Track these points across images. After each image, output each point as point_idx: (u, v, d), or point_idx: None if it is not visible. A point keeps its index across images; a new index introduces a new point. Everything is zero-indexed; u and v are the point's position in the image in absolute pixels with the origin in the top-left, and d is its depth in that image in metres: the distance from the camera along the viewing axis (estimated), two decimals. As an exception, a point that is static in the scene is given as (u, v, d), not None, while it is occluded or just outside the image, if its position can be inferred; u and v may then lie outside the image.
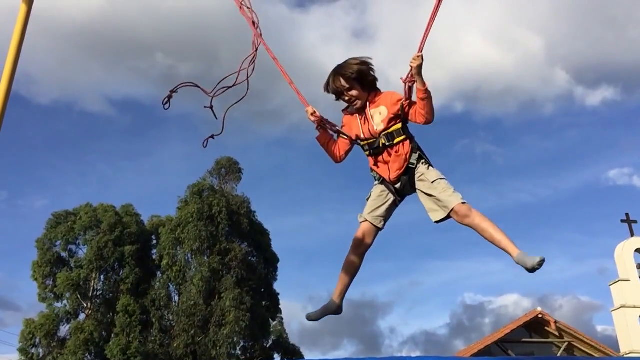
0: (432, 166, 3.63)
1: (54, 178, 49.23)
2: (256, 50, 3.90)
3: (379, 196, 3.67)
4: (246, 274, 25.59)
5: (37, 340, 24.28)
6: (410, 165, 3.59)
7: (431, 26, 3.48)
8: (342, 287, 3.70)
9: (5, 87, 3.20)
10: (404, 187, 3.63)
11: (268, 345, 26.91)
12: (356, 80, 3.62)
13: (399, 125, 3.61)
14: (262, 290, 27.02)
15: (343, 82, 3.62)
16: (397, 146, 3.60)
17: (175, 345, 23.91)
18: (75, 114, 47.29)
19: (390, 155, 3.61)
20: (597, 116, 59.88)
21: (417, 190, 3.62)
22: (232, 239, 26.43)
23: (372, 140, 3.64)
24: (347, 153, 3.83)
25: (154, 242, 27.63)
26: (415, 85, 3.46)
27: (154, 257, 27.12)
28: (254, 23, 3.99)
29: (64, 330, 24.95)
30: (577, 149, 59.55)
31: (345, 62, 3.67)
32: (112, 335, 24.14)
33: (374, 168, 3.70)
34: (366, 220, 3.67)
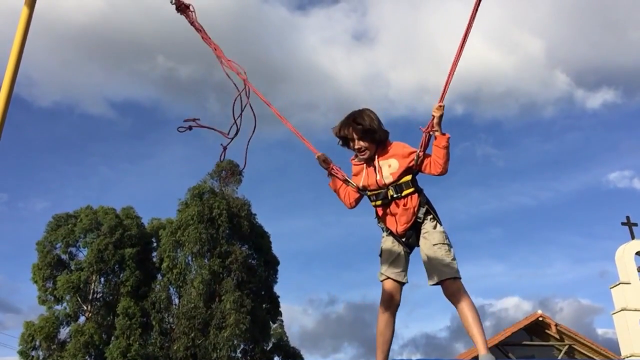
0: (439, 223, 3.56)
1: (55, 180, 49.31)
2: (248, 97, 3.84)
3: (391, 250, 3.59)
4: (246, 277, 25.57)
5: (37, 342, 24.27)
6: (418, 219, 3.52)
7: (452, 76, 3.43)
8: (382, 356, 3.57)
9: (7, 89, 3.20)
10: (410, 240, 3.56)
11: (268, 348, 26.87)
12: (368, 132, 3.55)
13: (409, 178, 3.54)
14: (263, 292, 26.99)
15: (355, 131, 3.56)
16: (405, 199, 3.53)
17: (175, 347, 23.87)
18: (76, 116, 47.39)
19: (398, 207, 3.53)
20: (597, 119, 59.96)
21: (420, 248, 3.56)
22: (233, 242, 26.41)
23: (379, 192, 3.58)
24: (357, 201, 3.74)
25: (154, 244, 27.63)
26: (434, 134, 3.42)
27: (154, 259, 27.11)
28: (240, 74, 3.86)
29: (64, 332, 24.97)
30: (577, 151, 59.63)
31: (361, 111, 3.62)
32: (112, 338, 24.12)
33: (381, 220, 3.63)
34: (388, 278, 3.57)
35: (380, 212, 3.64)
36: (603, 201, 58.64)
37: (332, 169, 3.75)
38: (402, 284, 3.59)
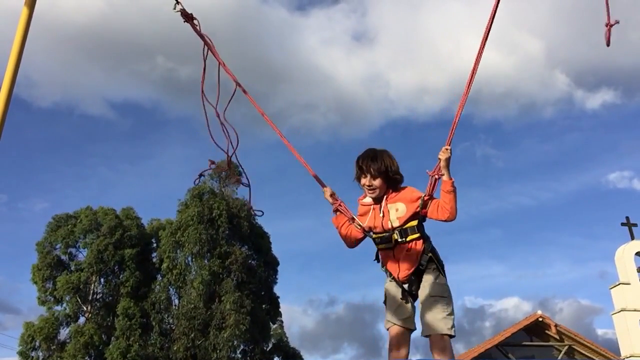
0: (442, 274, 3.47)
1: (55, 181, 49.30)
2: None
3: (396, 296, 3.51)
4: (246, 277, 25.56)
5: (37, 343, 24.25)
6: (420, 267, 3.44)
7: (458, 117, 3.40)
8: None
9: (7, 90, 3.20)
10: (412, 287, 3.48)
11: (268, 349, 26.87)
12: (384, 172, 3.52)
13: (415, 223, 3.47)
14: (262, 293, 26.98)
15: (372, 167, 3.53)
16: (410, 244, 3.46)
17: (175, 348, 23.87)
18: (76, 117, 47.36)
19: (401, 252, 3.47)
20: (597, 119, 59.99)
21: (418, 295, 3.48)
22: (232, 242, 26.41)
23: (384, 235, 3.51)
24: (358, 241, 3.68)
25: (154, 245, 27.62)
26: (441, 178, 3.37)
27: (154, 260, 27.10)
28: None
29: (63, 333, 24.95)
30: (577, 152, 59.65)
31: (383, 151, 3.61)
32: (112, 339, 24.12)
33: (384, 263, 3.57)
34: (394, 325, 3.49)
35: (383, 256, 3.56)
36: (603, 202, 58.70)
37: (340, 205, 3.69)
38: (410, 330, 3.49)
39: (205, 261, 25.50)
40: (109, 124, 48.21)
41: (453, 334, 3.34)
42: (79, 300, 25.24)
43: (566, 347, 20.11)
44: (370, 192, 3.59)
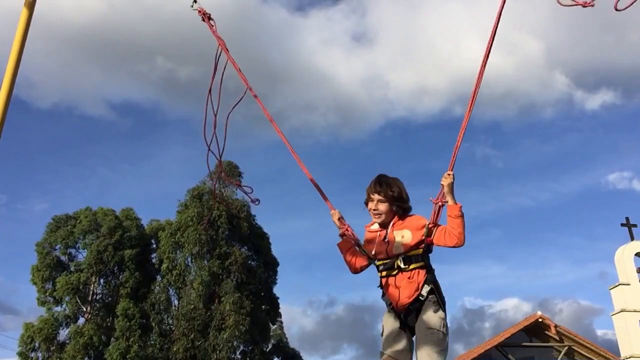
0: (442, 309, 3.40)
1: (54, 182, 49.34)
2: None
3: (393, 328, 3.48)
4: (246, 278, 25.56)
5: (37, 344, 24.22)
6: (420, 297, 3.37)
7: (460, 141, 3.38)
8: None
9: (6, 91, 3.20)
10: (409, 319, 3.42)
11: (268, 349, 26.86)
12: (390, 199, 3.51)
13: (419, 252, 3.43)
14: (262, 294, 26.97)
15: (380, 192, 3.54)
16: (412, 272, 3.41)
17: (174, 349, 23.85)
18: (75, 117, 47.42)
19: (402, 280, 3.41)
20: (596, 120, 60.08)
21: (415, 327, 3.40)
22: (232, 243, 26.40)
23: (388, 261, 3.48)
24: (362, 268, 3.65)
25: (154, 246, 27.61)
26: (446, 204, 3.32)
27: (153, 261, 27.08)
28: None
29: (63, 334, 24.92)
30: (577, 152, 59.73)
31: (394, 179, 3.61)
32: (112, 339, 24.10)
33: (385, 292, 3.51)
34: (389, 357, 3.42)
35: (384, 283, 3.51)
36: (602, 202, 58.77)
37: (347, 230, 3.68)
38: None
39: (205, 262, 25.49)
40: (108, 125, 48.29)
41: None
42: (79, 301, 25.22)
43: (566, 348, 20.11)
44: (375, 216, 3.58)
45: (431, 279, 3.43)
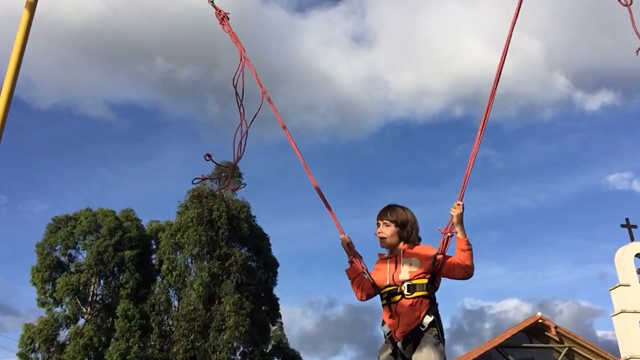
0: (442, 343, 3.33)
1: (54, 182, 49.32)
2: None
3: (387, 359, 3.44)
4: (246, 279, 25.55)
5: (37, 345, 24.21)
6: (421, 327, 3.32)
7: (470, 170, 3.36)
8: None
9: (7, 92, 3.21)
10: (406, 348, 3.35)
11: (268, 350, 26.84)
12: (397, 225, 3.53)
13: (425, 281, 3.39)
14: (262, 295, 26.97)
15: (386, 216, 3.57)
16: (415, 300, 3.35)
17: (174, 350, 23.85)
18: (75, 118, 47.43)
19: (404, 307, 3.37)
20: (596, 121, 60.08)
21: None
22: (232, 244, 26.39)
23: (393, 288, 3.45)
24: (369, 296, 3.63)
25: (154, 246, 27.60)
26: (455, 235, 3.29)
27: (153, 261, 27.08)
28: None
29: (63, 335, 24.91)
30: (576, 153, 59.73)
31: (403, 207, 3.64)
32: (112, 340, 24.09)
33: (385, 320, 3.48)
34: None
35: (385, 312, 3.49)
36: (602, 203, 58.77)
37: (355, 257, 3.66)
38: None
39: (205, 263, 25.49)
40: (108, 126, 48.29)
41: None
42: (79, 301, 25.21)
43: (566, 349, 20.10)
44: (380, 240, 3.59)
45: (434, 310, 3.38)
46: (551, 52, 56.61)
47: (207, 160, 3.76)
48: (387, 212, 3.59)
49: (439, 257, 3.37)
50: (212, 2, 3.88)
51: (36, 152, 47.82)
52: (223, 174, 28.17)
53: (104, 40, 45.65)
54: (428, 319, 3.32)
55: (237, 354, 24.94)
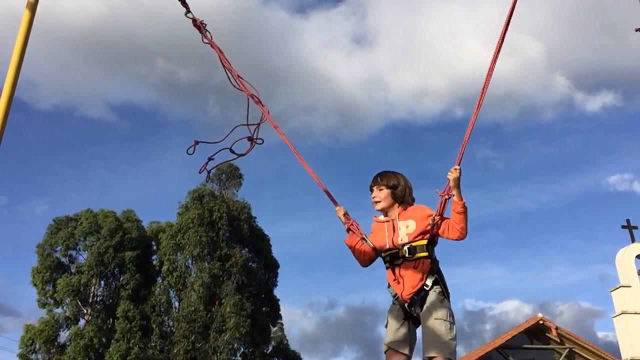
0: (447, 299, 3.45)
1: (55, 183, 49.30)
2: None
3: (396, 320, 3.52)
4: (246, 280, 25.56)
5: (37, 346, 24.24)
6: (425, 287, 3.42)
7: (468, 137, 3.45)
8: None
9: (8, 93, 3.21)
10: (413, 307, 3.45)
11: (268, 351, 26.84)
12: (390, 188, 3.66)
13: (424, 242, 3.49)
14: (263, 296, 26.98)
15: (380, 180, 3.71)
16: (417, 262, 3.45)
17: (175, 351, 23.84)
18: (76, 119, 47.37)
19: (407, 269, 3.46)
20: (597, 122, 60.02)
21: (421, 318, 3.43)
22: (233, 245, 26.41)
23: (394, 251, 3.53)
24: (371, 261, 3.72)
25: (154, 247, 27.62)
26: (452, 198, 3.39)
27: (154, 262, 27.09)
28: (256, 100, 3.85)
29: (63, 335, 24.94)
30: (577, 154, 59.68)
31: (394, 172, 3.76)
32: (112, 341, 24.09)
33: (390, 282, 3.56)
34: (390, 349, 3.48)
35: (389, 274, 3.56)
36: (603, 204, 58.68)
37: (352, 224, 3.74)
38: (405, 356, 3.46)
39: (206, 264, 25.50)
40: (109, 127, 48.24)
41: (454, 359, 3.32)
42: (79, 302, 25.23)
43: (567, 350, 20.08)
44: (375, 204, 3.70)
45: (436, 269, 3.48)
46: (552, 53, 56.61)
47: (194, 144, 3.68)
48: (379, 177, 3.72)
49: (437, 218, 3.46)
50: (187, 13, 3.82)
51: (37, 152, 47.83)
52: (224, 175, 27.92)
53: (104, 41, 45.68)
54: (431, 278, 3.43)
55: (238, 355, 24.95)
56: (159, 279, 26.40)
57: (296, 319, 47.50)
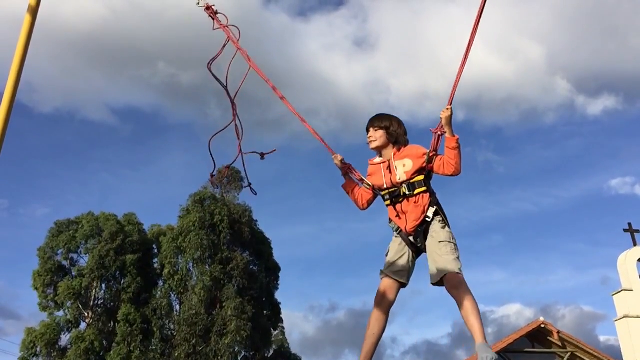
0: (448, 226, 3.66)
1: (56, 187, 49.34)
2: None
3: (397, 250, 3.70)
4: (247, 283, 25.54)
5: (38, 349, 24.23)
6: (427, 219, 3.63)
7: (459, 78, 3.60)
8: (366, 351, 3.60)
9: (9, 96, 3.21)
10: (418, 239, 3.64)
11: (269, 355, 26.80)
12: (385, 129, 3.84)
13: (421, 177, 3.70)
14: (264, 299, 26.95)
15: (375, 122, 3.89)
16: (417, 197, 3.67)
17: (176, 354, 23.82)
18: (77, 122, 47.42)
19: (409, 205, 3.68)
20: (598, 125, 59.93)
21: (426, 247, 3.63)
22: (234, 248, 26.40)
23: (393, 189, 3.73)
24: (369, 202, 3.92)
25: (156, 251, 27.62)
26: (445, 135, 3.58)
27: (155, 266, 27.09)
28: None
29: (64, 339, 24.93)
30: (578, 158, 59.58)
31: (390, 114, 3.94)
32: (113, 345, 24.07)
33: (392, 218, 3.75)
34: (387, 276, 3.67)
35: (391, 211, 3.75)
36: (605, 208, 58.54)
37: (350, 168, 3.93)
38: (400, 284, 3.67)
39: (207, 267, 25.48)
40: (110, 130, 48.27)
41: (462, 273, 3.52)
42: (80, 306, 25.22)
43: (568, 354, 20.03)
44: (370, 143, 3.87)
45: (435, 201, 3.69)
46: (553, 57, 56.60)
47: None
48: (374, 120, 3.89)
49: (432, 153, 3.67)
50: (199, 3, 4.01)
51: (38, 156, 47.86)
52: (225, 179, 27.93)
53: (105, 45, 45.76)
54: (432, 210, 3.65)
55: (239, 359, 24.91)
56: (160, 282, 26.39)
57: (297, 322, 47.51)
